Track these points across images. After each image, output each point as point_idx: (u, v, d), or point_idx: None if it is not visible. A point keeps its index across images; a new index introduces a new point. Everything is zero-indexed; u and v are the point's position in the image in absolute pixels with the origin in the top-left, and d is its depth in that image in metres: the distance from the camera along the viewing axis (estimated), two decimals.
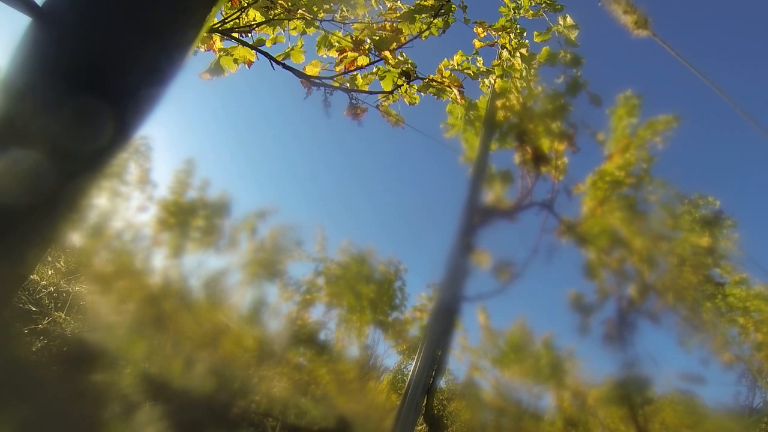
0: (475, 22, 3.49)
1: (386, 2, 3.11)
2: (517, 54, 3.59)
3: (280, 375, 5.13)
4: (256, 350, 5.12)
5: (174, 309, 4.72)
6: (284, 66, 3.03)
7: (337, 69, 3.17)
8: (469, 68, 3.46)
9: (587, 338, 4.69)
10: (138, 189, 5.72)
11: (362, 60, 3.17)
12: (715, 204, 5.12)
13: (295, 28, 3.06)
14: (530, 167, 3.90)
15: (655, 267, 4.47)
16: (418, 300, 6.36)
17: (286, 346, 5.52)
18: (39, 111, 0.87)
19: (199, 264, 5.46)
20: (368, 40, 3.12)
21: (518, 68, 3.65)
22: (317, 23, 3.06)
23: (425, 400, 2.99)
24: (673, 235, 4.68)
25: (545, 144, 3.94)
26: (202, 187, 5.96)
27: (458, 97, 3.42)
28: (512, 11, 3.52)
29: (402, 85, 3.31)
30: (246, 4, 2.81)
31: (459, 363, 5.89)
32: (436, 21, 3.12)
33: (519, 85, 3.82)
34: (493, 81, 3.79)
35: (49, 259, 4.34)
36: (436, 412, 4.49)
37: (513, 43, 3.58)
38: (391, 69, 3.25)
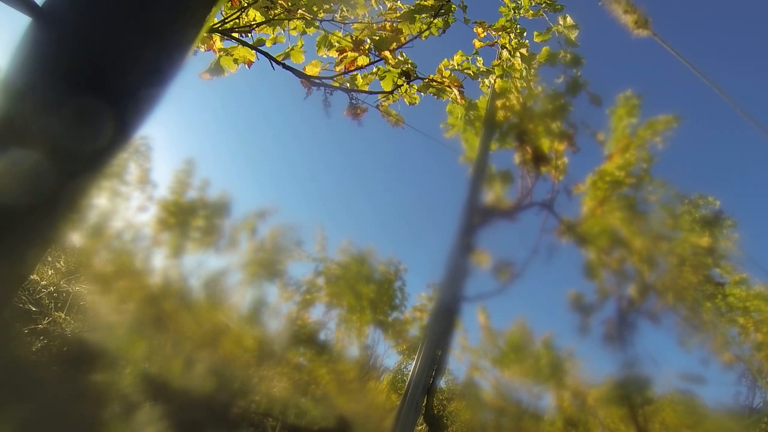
0: (475, 22, 3.49)
1: (386, 2, 3.11)
2: (517, 54, 3.59)
3: (280, 375, 5.13)
4: (256, 350, 5.12)
5: (174, 309, 4.72)
6: (284, 66, 3.03)
7: (337, 69, 3.17)
8: (469, 68, 3.46)
9: (587, 338, 4.69)
10: (138, 189, 5.73)
11: (362, 60, 3.17)
12: (715, 204, 5.12)
13: (295, 28, 3.06)
14: (530, 167, 3.90)
15: (655, 267, 4.47)
16: (418, 300, 6.38)
17: (286, 346, 5.51)
18: (39, 111, 0.87)
19: (199, 264, 5.46)
20: (368, 40, 3.12)
21: (518, 68, 3.65)
22: (317, 23, 3.06)
23: (425, 400, 2.99)
24: (673, 235, 4.68)
25: (545, 144, 3.94)
26: (202, 187, 5.98)
27: (458, 97, 3.42)
28: (512, 11, 3.52)
29: (402, 85, 3.31)
30: (246, 4, 2.81)
31: (459, 363, 5.91)
32: (436, 21, 3.12)
33: (519, 85, 3.82)
34: (493, 81, 3.79)
35: (49, 259, 4.34)
36: (436, 412, 4.48)
37: (513, 43, 3.58)
38: (391, 69, 3.25)
